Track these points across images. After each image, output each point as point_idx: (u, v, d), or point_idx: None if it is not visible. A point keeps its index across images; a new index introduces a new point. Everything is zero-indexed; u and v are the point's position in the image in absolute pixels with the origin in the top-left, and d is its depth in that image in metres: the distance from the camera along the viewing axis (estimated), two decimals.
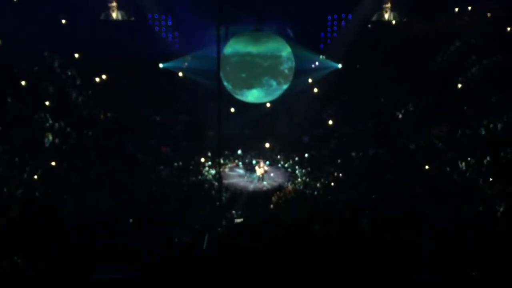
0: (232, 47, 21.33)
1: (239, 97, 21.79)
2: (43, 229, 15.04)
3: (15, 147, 19.73)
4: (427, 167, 20.22)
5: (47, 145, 20.93)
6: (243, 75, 20.79)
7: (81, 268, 11.90)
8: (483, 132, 20.67)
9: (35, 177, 18.79)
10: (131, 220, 16.62)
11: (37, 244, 14.02)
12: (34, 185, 18.45)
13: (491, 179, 18.27)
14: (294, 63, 21.73)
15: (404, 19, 27.74)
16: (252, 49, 20.63)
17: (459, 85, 23.59)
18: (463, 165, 19.54)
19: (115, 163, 21.09)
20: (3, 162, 18.74)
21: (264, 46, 20.76)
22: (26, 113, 21.57)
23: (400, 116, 24.36)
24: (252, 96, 21.53)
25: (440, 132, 21.86)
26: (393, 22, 27.89)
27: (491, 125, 20.59)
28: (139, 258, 12.84)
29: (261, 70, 20.56)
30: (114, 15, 27.50)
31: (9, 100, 21.41)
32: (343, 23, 28.89)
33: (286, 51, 21.37)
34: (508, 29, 24.20)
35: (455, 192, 18.37)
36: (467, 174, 19.26)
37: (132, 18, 27.65)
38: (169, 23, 28.73)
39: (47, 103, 22.55)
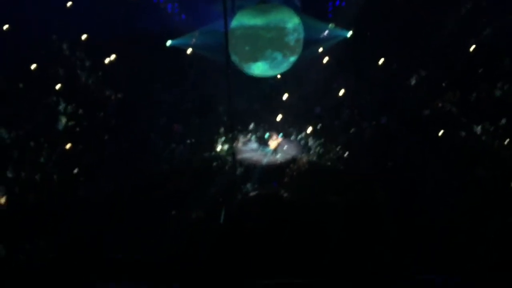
0: (238, 20, 21.03)
1: (245, 70, 21.57)
2: (59, 213, 15.28)
3: (28, 131, 19.93)
4: (440, 133, 20.02)
5: (60, 128, 21.11)
6: (247, 48, 20.48)
7: (97, 250, 12.11)
8: (497, 94, 20.40)
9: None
10: (145, 199, 16.75)
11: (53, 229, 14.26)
12: (51, 169, 18.68)
13: (507, 140, 18.13)
14: (302, 34, 21.29)
15: None
16: (257, 21, 20.26)
17: (471, 48, 23.16)
18: (478, 129, 19.33)
19: (127, 143, 21.17)
20: (18, 147, 18.98)
21: (268, 18, 20.34)
22: (38, 97, 21.71)
23: (413, 82, 24.04)
24: (258, 69, 21.23)
25: (454, 98, 21.57)
26: None
27: (505, 87, 20.30)
28: (155, 238, 13.01)
29: (264, 43, 20.17)
30: None
31: (20, 85, 21.52)
32: None
33: (292, 22, 20.91)
34: None
35: (470, 156, 18.26)
36: (483, 137, 19.07)
37: None
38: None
39: (57, 86, 22.62)
